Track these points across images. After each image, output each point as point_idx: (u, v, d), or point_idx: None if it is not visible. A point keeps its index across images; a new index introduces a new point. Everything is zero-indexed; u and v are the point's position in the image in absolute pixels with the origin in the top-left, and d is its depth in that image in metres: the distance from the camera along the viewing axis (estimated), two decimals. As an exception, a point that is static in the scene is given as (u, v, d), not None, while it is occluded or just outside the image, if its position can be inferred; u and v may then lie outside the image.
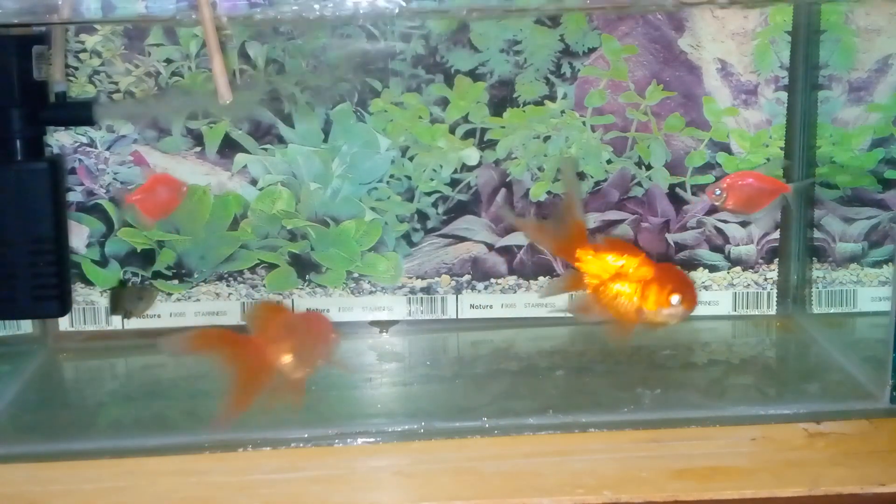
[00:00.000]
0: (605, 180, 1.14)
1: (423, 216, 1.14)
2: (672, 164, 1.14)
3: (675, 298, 0.86)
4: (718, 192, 1.03)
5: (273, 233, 1.13)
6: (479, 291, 1.16)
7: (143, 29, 1.07)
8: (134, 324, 1.14)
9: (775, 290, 1.17)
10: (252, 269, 1.14)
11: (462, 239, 1.16)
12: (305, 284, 1.15)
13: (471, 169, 1.14)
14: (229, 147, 1.11)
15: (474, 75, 1.11)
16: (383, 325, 1.16)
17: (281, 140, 1.11)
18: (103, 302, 1.13)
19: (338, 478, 0.86)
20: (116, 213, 1.11)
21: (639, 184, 1.15)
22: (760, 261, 1.17)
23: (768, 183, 1.05)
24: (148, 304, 1.11)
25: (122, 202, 1.06)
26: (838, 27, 1.12)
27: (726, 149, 1.14)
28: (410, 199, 1.14)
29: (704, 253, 1.17)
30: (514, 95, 1.12)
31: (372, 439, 0.91)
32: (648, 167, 1.14)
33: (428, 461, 0.88)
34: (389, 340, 1.15)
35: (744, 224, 1.16)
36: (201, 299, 1.14)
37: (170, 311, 1.14)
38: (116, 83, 1.08)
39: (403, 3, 0.87)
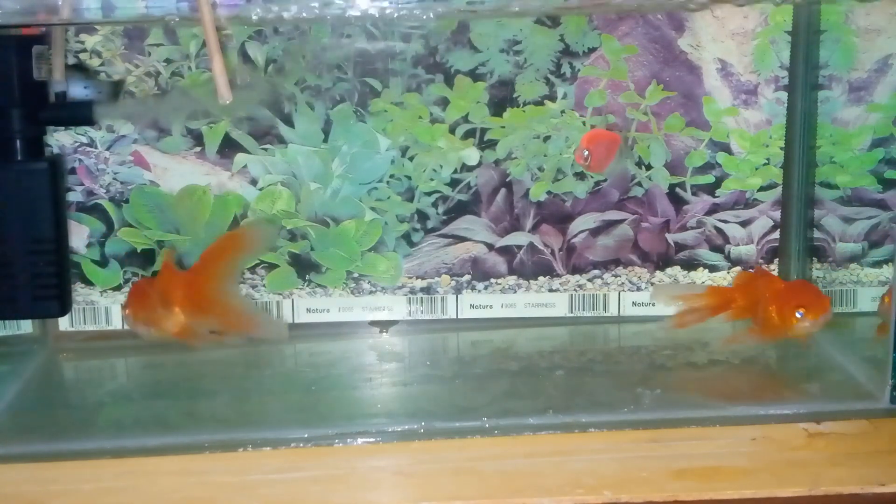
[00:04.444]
0: (605, 180, 1.14)
1: (423, 216, 1.14)
2: (672, 164, 1.14)
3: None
4: (587, 153, 1.04)
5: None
6: (479, 291, 1.16)
7: (143, 29, 1.07)
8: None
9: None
10: (252, 269, 1.14)
11: (462, 239, 1.16)
12: (305, 284, 1.15)
13: (471, 169, 1.14)
14: (229, 147, 1.11)
15: (474, 75, 1.11)
16: (383, 325, 1.16)
17: (281, 140, 1.11)
18: (103, 302, 1.13)
19: (338, 478, 0.86)
20: (116, 213, 1.11)
21: (639, 184, 1.15)
22: (760, 261, 1.17)
23: (610, 136, 1.06)
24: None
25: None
26: (838, 27, 1.12)
27: (726, 149, 1.14)
28: (410, 199, 1.14)
29: (704, 253, 1.17)
30: (514, 95, 1.12)
31: (372, 439, 0.91)
32: (648, 167, 1.14)
33: (428, 461, 0.88)
34: (389, 340, 1.15)
35: (744, 224, 1.16)
36: (201, 299, 1.14)
37: (170, 311, 1.14)
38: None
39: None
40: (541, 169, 1.14)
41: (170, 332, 0.97)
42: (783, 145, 1.14)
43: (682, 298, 1.06)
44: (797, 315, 0.99)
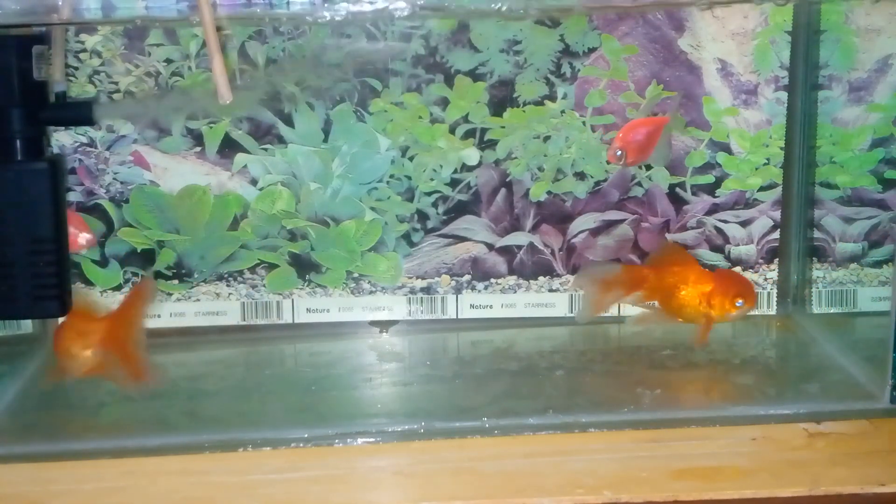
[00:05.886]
0: (605, 180, 1.14)
1: (423, 216, 1.14)
2: (672, 164, 1.14)
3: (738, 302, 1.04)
4: (619, 153, 1.03)
5: (273, 233, 1.13)
6: (479, 291, 1.16)
7: (143, 29, 1.07)
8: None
9: (775, 290, 1.17)
10: (252, 269, 1.14)
11: (462, 239, 1.16)
12: (305, 284, 1.15)
13: (471, 169, 1.14)
14: (229, 147, 1.11)
15: (474, 75, 1.11)
16: (383, 325, 1.16)
17: (281, 140, 1.11)
18: (103, 302, 1.13)
19: (338, 478, 0.86)
20: (116, 213, 1.11)
21: (639, 184, 1.15)
22: (760, 261, 1.17)
23: (652, 124, 1.06)
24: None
25: None
26: (838, 27, 1.12)
27: (726, 149, 1.14)
28: (410, 199, 1.14)
29: (704, 253, 1.17)
30: (514, 95, 1.12)
31: (372, 439, 0.91)
32: (648, 167, 1.14)
33: (428, 461, 0.88)
34: (389, 340, 1.15)
35: (744, 224, 1.16)
36: (201, 299, 1.14)
37: (170, 311, 1.14)
38: (116, 83, 1.08)
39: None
40: (541, 169, 1.14)
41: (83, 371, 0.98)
42: (783, 145, 1.14)
43: (603, 278, 1.07)
44: (737, 304, 1.03)
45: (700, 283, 1.04)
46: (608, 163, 1.11)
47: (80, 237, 1.07)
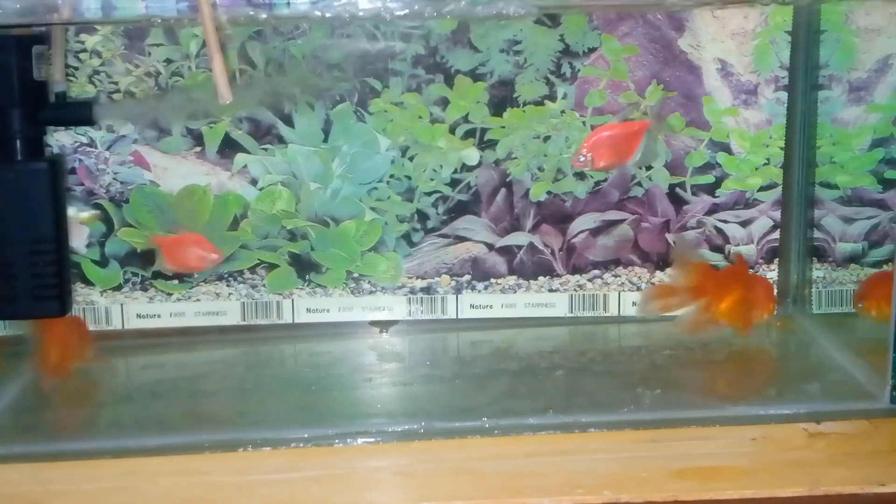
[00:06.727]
0: (605, 180, 1.14)
1: (423, 216, 1.14)
2: (672, 164, 1.14)
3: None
4: (583, 158, 1.02)
5: (273, 233, 1.13)
6: (479, 291, 1.16)
7: (143, 29, 1.07)
8: (134, 324, 1.14)
9: (775, 290, 1.17)
10: (252, 269, 1.14)
11: (462, 239, 1.16)
12: (305, 284, 1.15)
13: (471, 169, 1.14)
14: (229, 147, 1.11)
15: (474, 75, 1.11)
16: (383, 325, 1.16)
17: (281, 140, 1.11)
18: (103, 302, 1.13)
19: (338, 478, 0.86)
20: (116, 213, 1.11)
21: (639, 184, 1.15)
22: (760, 261, 1.17)
23: (625, 128, 1.04)
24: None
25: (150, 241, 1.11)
26: (838, 27, 1.12)
27: (726, 149, 1.14)
28: (410, 199, 1.14)
29: (704, 253, 1.17)
30: (514, 95, 1.12)
31: (372, 439, 0.91)
32: (648, 167, 1.14)
33: (428, 461, 0.88)
34: (389, 340, 1.15)
35: (744, 224, 1.16)
36: (201, 299, 1.14)
37: (170, 311, 1.14)
38: (116, 83, 1.08)
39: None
40: (541, 169, 1.14)
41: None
42: (783, 145, 1.14)
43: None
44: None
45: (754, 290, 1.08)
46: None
47: (210, 257, 1.08)
